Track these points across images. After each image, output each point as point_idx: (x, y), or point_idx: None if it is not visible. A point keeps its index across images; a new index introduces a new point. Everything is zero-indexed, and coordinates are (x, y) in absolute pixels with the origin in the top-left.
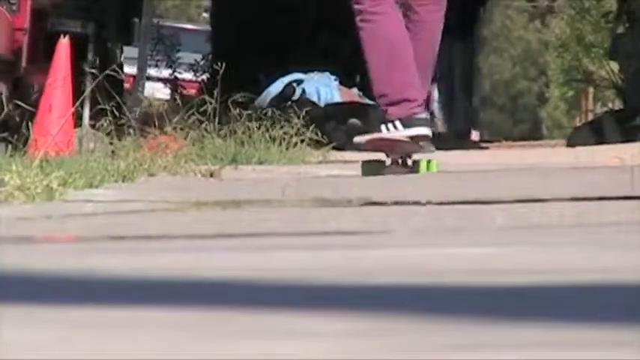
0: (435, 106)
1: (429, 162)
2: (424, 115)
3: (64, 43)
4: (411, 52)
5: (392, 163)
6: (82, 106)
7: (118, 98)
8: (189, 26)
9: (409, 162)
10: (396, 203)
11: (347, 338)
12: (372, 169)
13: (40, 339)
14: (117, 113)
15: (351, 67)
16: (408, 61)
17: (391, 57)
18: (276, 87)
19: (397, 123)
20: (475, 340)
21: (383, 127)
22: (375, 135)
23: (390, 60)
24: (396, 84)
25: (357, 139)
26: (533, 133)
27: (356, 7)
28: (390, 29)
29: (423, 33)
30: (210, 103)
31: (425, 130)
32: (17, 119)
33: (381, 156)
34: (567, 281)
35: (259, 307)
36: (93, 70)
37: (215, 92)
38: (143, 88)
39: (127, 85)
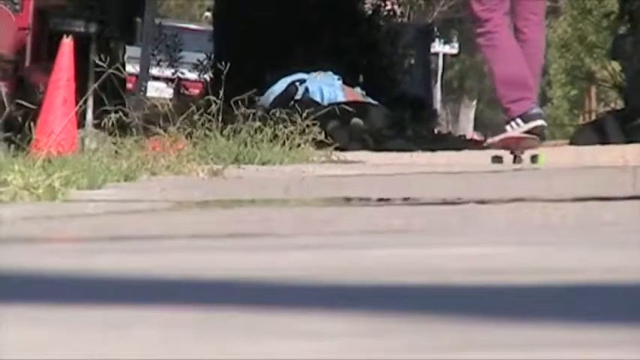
0: (438, 106)
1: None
2: (538, 110)
3: (67, 42)
4: (522, 59)
5: (515, 158)
6: (85, 105)
7: (123, 96)
8: (191, 26)
9: (524, 156)
10: (399, 203)
11: (347, 338)
12: (498, 162)
13: (41, 339)
14: (120, 113)
15: (354, 66)
16: (521, 66)
17: (509, 65)
18: (279, 86)
19: (518, 120)
20: (475, 340)
21: (508, 127)
22: (502, 135)
23: (508, 67)
24: (514, 86)
25: (490, 140)
26: None
27: (479, 30)
28: (506, 44)
29: (529, 49)
30: (215, 103)
31: (540, 122)
32: (20, 119)
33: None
34: (568, 281)
35: (261, 306)
36: (98, 66)
37: (217, 91)
38: (146, 87)
39: (129, 85)
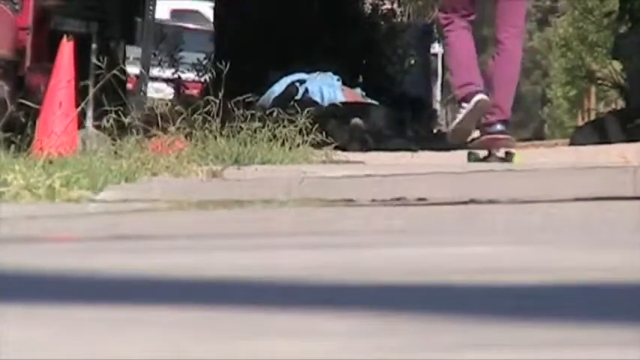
0: (438, 106)
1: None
2: (481, 91)
3: (67, 43)
4: (473, 58)
5: (489, 155)
6: (85, 105)
7: (123, 97)
8: (192, 26)
9: (499, 154)
10: (399, 203)
11: (348, 338)
12: (474, 157)
13: (42, 338)
14: (120, 113)
15: (354, 66)
16: (471, 62)
17: (459, 58)
18: (279, 87)
19: (463, 104)
20: (475, 340)
21: (458, 114)
22: (456, 121)
23: (458, 60)
24: (462, 74)
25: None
26: (535, 133)
27: (444, 34)
28: (460, 44)
29: (506, 57)
30: (215, 103)
31: (482, 96)
32: (21, 119)
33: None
34: (568, 281)
35: (261, 306)
36: (98, 65)
37: (217, 91)
38: (146, 87)
39: (129, 85)
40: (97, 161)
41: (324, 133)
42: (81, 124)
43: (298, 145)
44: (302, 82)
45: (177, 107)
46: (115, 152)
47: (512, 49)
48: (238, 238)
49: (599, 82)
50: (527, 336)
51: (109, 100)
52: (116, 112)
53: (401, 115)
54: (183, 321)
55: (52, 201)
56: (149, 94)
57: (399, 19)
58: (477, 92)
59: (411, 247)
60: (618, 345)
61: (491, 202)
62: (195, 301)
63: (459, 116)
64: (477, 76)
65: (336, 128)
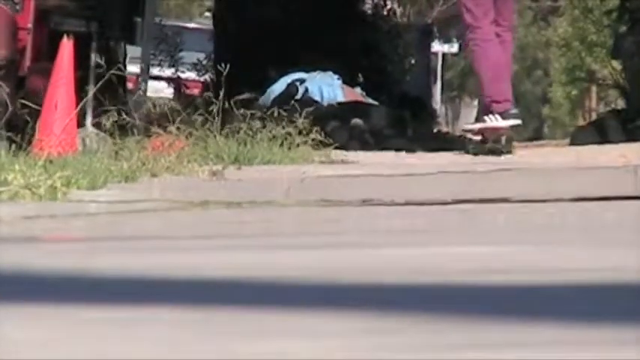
0: (438, 105)
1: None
2: (515, 110)
3: (67, 42)
4: (506, 66)
5: (490, 142)
6: (85, 105)
7: (123, 97)
8: (192, 25)
9: (502, 143)
10: (399, 203)
11: (348, 338)
12: (478, 149)
13: (41, 338)
14: (120, 113)
15: (354, 66)
16: (507, 72)
17: (496, 70)
18: (279, 86)
19: (497, 116)
20: (476, 340)
21: (487, 118)
22: (481, 124)
23: (495, 72)
24: (500, 88)
25: (467, 126)
26: (535, 133)
27: (471, 35)
28: (494, 52)
29: (503, 47)
30: (215, 104)
31: (517, 121)
32: (21, 119)
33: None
34: (568, 281)
35: (261, 306)
36: (99, 66)
37: (217, 91)
38: (146, 87)
39: (130, 85)
40: (97, 161)
41: (323, 133)
42: (80, 124)
43: (298, 145)
44: (302, 81)
45: (178, 103)
46: (116, 152)
47: (507, 40)
48: (238, 238)
49: (599, 82)
50: (528, 336)
51: (109, 99)
52: (116, 112)
53: (401, 115)
54: (183, 320)
55: (52, 200)
56: (149, 94)
57: (399, 19)
58: (515, 115)
59: (411, 247)
60: (618, 345)
61: (491, 201)
62: (195, 301)
63: (489, 124)
64: (510, 92)
65: (335, 128)
